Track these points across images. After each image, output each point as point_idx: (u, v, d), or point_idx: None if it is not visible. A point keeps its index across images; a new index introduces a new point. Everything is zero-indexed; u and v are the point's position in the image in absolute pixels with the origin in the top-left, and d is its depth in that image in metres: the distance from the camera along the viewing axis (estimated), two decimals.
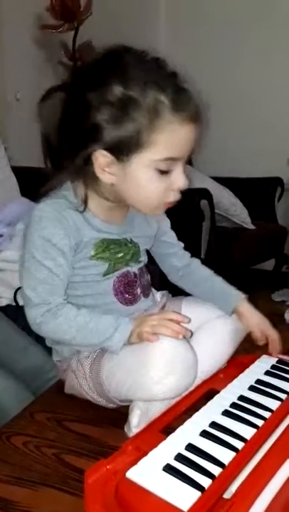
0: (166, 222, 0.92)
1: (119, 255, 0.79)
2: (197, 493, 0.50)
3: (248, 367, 0.81)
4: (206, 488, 0.51)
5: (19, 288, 1.22)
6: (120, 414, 0.75)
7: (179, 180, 0.71)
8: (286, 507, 0.53)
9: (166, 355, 0.66)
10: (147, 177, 0.69)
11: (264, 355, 0.86)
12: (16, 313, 1.18)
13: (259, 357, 0.85)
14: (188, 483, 0.51)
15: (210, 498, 0.50)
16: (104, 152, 0.68)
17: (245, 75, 2.70)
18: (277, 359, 0.85)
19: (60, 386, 0.84)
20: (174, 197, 0.73)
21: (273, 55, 2.67)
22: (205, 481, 0.52)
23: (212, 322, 0.85)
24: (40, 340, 1.01)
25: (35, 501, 0.59)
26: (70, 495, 0.60)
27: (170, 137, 0.67)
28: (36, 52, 2.21)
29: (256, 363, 0.83)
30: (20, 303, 1.21)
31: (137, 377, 0.67)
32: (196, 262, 0.95)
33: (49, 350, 0.99)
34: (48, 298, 0.71)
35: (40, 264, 0.71)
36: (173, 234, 0.93)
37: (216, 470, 0.54)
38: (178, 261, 0.93)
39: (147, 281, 0.87)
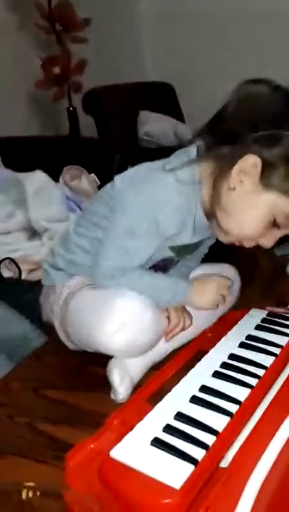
0: None
1: (187, 251, 0.75)
2: (190, 467, 0.43)
3: (237, 323, 0.73)
4: (199, 460, 0.44)
5: (3, 260, 1.15)
6: (99, 378, 0.69)
7: (270, 240, 0.68)
8: (287, 472, 0.46)
9: (121, 311, 0.63)
10: (262, 214, 0.64)
11: (253, 309, 0.78)
12: None
13: (248, 311, 0.77)
14: (179, 457, 0.44)
15: (205, 471, 0.44)
16: (260, 163, 0.62)
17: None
18: (267, 312, 0.76)
19: (37, 354, 0.79)
20: (250, 244, 0.70)
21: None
22: (198, 453, 0.45)
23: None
24: (23, 311, 0.94)
25: (1, 471, 0.55)
26: (39, 463, 0.56)
27: None
28: (10, 17, 2.03)
29: (245, 317, 0.75)
30: (5, 275, 1.14)
31: (91, 325, 0.65)
32: None
33: (32, 321, 0.92)
34: (125, 268, 0.68)
35: (136, 237, 0.66)
36: None
37: (209, 439, 0.47)
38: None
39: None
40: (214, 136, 0.66)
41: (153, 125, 2.08)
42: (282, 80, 0.67)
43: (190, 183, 0.66)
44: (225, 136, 0.64)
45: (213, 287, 0.73)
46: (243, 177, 0.63)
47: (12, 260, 1.14)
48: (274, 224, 0.65)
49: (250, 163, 0.62)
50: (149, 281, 0.69)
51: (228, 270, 0.84)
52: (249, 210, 0.64)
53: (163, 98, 2.40)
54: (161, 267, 0.76)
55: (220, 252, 0.88)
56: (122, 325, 0.62)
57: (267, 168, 0.61)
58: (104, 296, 0.66)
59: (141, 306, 0.64)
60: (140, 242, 0.67)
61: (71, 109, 2.13)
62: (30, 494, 0.48)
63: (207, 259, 0.87)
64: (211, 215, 0.69)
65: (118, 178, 0.72)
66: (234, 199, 0.65)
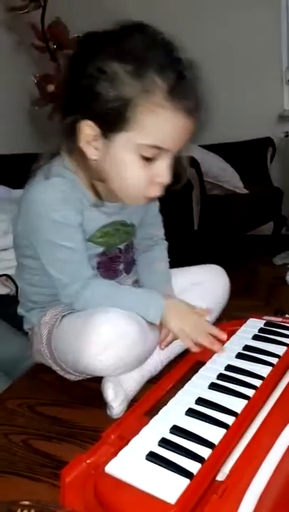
0: (155, 204, 0.83)
1: (114, 239, 0.74)
2: (185, 481, 0.43)
3: (235, 333, 0.73)
4: (194, 473, 0.44)
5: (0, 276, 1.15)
6: (95, 393, 0.69)
7: (162, 174, 0.64)
8: (286, 485, 0.46)
9: (104, 330, 0.62)
10: (129, 160, 0.62)
11: (251, 319, 0.78)
12: None
13: (246, 321, 0.77)
14: (174, 471, 0.44)
15: (200, 485, 0.43)
16: (91, 123, 0.62)
17: (227, 30, 2.51)
18: (265, 321, 0.76)
19: (34, 370, 0.79)
20: (155, 192, 0.66)
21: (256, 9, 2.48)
22: (193, 466, 0.44)
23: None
24: (20, 328, 0.94)
25: None
26: (34, 481, 0.56)
27: (160, 123, 0.60)
28: (8, 37, 2.07)
29: (243, 328, 0.75)
30: (1, 292, 1.14)
31: (76, 350, 0.64)
32: (162, 249, 0.87)
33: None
34: (76, 275, 0.68)
35: (59, 245, 0.67)
36: (160, 220, 0.86)
37: (205, 452, 0.46)
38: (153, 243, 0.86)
39: (131, 257, 0.82)
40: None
41: None
42: None
43: (60, 175, 0.66)
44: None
45: (191, 321, 0.70)
46: (93, 144, 0.63)
47: (9, 277, 1.14)
48: (149, 159, 0.62)
49: (87, 129, 0.62)
50: (113, 291, 0.69)
51: (217, 271, 0.84)
52: (118, 165, 0.64)
53: None
54: (106, 262, 0.75)
55: (217, 259, 0.88)
56: (107, 343, 0.61)
57: (100, 123, 0.61)
58: (82, 320, 0.65)
59: (122, 321, 0.63)
60: (65, 247, 0.67)
61: None
62: None
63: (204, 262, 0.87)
64: (109, 190, 0.68)
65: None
66: (104, 166, 0.65)
